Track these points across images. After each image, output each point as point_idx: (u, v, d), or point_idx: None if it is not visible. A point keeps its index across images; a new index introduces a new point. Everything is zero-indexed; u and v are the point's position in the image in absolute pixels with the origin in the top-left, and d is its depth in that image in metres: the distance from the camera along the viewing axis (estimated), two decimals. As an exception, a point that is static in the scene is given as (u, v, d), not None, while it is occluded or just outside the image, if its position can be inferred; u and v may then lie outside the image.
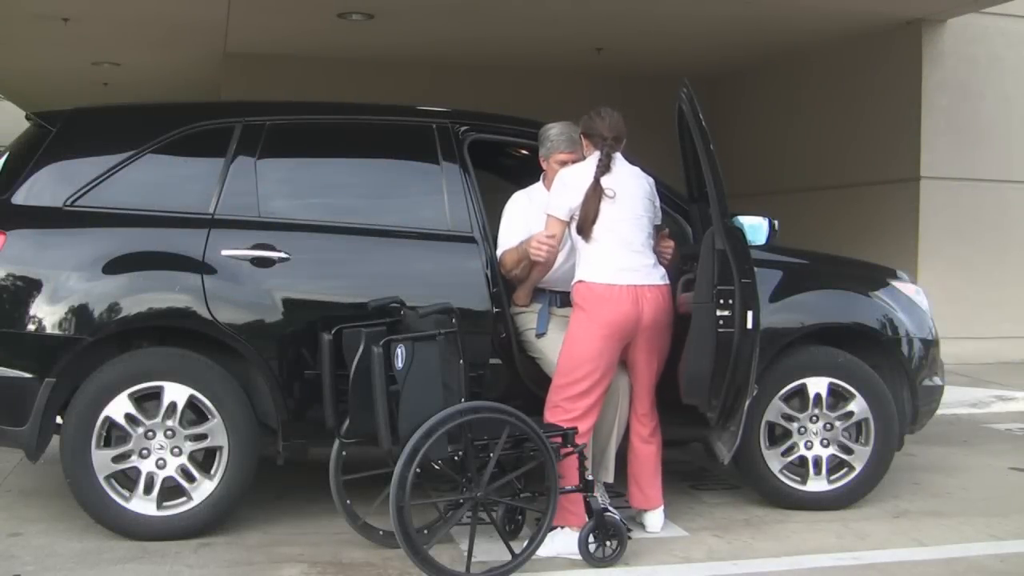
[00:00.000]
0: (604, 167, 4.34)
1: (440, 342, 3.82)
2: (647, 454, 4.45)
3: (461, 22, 10.26)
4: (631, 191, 4.38)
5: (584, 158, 4.50)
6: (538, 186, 4.73)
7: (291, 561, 4.10)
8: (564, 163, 4.54)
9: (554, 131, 4.62)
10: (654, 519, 4.53)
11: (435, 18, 10.12)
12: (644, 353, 4.36)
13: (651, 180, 4.53)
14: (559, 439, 4.03)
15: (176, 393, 4.22)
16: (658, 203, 4.53)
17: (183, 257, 4.32)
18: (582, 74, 12.17)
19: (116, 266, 4.26)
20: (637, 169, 4.49)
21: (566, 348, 4.29)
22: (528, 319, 4.60)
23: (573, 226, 4.37)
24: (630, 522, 4.43)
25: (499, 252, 4.62)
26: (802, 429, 4.87)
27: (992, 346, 10.13)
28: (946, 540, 4.57)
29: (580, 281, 4.34)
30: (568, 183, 4.39)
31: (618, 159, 4.40)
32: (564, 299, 4.54)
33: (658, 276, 4.37)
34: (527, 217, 4.60)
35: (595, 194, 4.30)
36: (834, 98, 11.19)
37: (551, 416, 4.22)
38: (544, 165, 4.67)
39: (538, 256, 4.37)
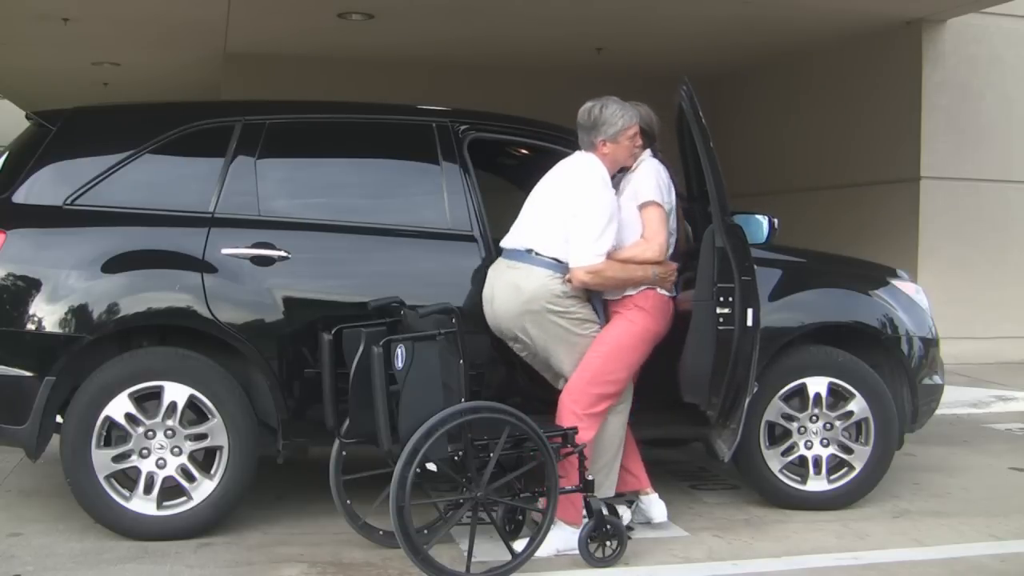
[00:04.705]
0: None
1: (440, 342, 3.82)
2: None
3: (461, 22, 10.26)
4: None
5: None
6: (595, 165, 4.28)
7: (291, 561, 4.10)
8: (634, 136, 4.33)
9: (611, 109, 4.28)
10: (658, 507, 4.51)
11: (435, 18, 10.12)
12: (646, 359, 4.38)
13: None
14: (559, 439, 4.02)
15: (176, 393, 4.22)
16: None
17: (183, 256, 4.32)
18: (582, 74, 12.12)
19: (116, 265, 4.26)
20: None
21: (612, 352, 4.19)
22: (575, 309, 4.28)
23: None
24: (638, 516, 4.47)
25: (597, 256, 4.13)
26: (802, 429, 4.87)
27: (992, 346, 10.12)
28: (946, 540, 4.57)
29: (650, 288, 4.28)
30: (663, 176, 4.39)
31: None
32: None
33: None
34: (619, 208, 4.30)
35: (680, 207, 4.43)
36: (834, 98, 11.18)
37: (567, 420, 4.15)
38: (606, 148, 4.28)
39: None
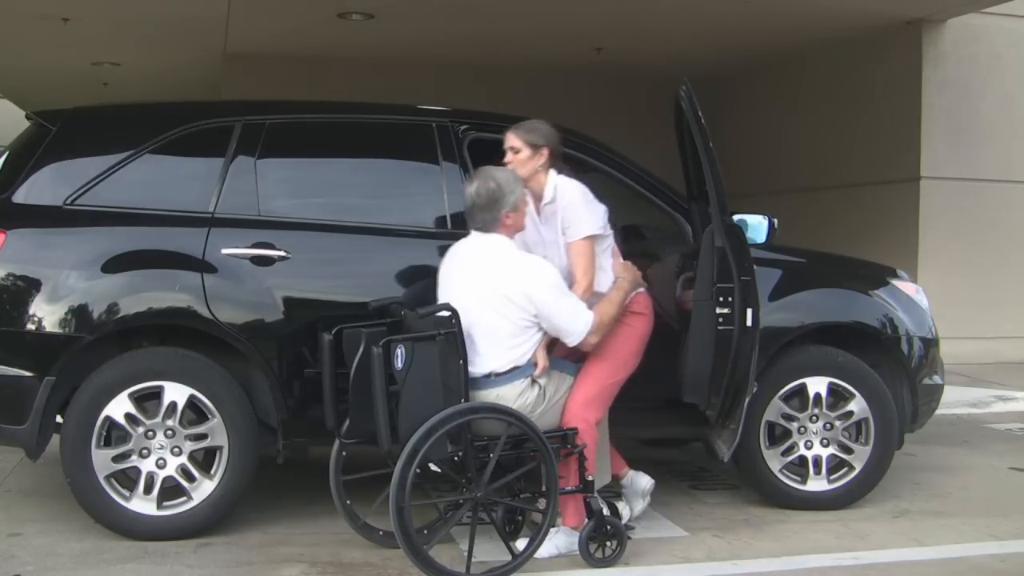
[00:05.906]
0: None
1: (440, 342, 3.82)
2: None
3: (461, 22, 10.26)
4: None
5: None
6: (509, 245, 4.09)
7: (291, 561, 4.10)
8: (525, 197, 4.14)
9: (502, 177, 4.06)
10: (640, 478, 4.54)
11: (435, 18, 10.12)
12: None
13: None
14: (559, 440, 4.02)
15: (176, 393, 4.22)
16: None
17: (183, 256, 4.32)
18: (582, 74, 12.17)
19: (116, 265, 4.26)
20: None
21: (620, 358, 4.19)
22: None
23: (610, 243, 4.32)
24: (632, 498, 4.50)
25: (588, 315, 3.99)
26: (802, 429, 4.87)
27: (992, 346, 10.12)
28: (946, 540, 4.57)
29: (639, 292, 4.34)
30: (590, 199, 4.22)
31: None
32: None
33: None
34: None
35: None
36: (834, 98, 11.18)
37: (575, 424, 4.09)
38: (509, 219, 4.06)
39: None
